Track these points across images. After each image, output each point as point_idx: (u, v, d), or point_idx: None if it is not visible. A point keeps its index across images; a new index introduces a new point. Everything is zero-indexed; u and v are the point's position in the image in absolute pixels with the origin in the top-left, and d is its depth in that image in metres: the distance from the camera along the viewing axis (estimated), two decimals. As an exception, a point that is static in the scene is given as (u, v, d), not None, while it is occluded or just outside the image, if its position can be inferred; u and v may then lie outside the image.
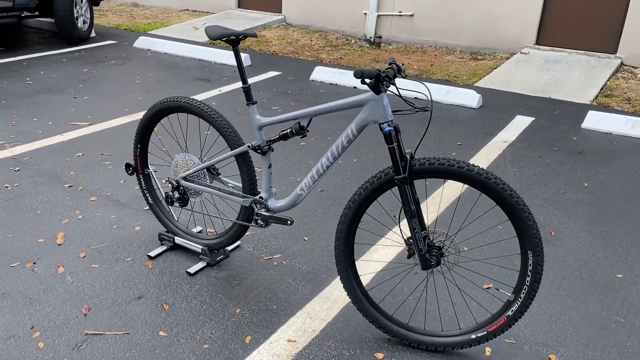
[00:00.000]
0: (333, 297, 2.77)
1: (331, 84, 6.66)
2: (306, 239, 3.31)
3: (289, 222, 2.63)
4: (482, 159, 4.51)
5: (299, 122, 2.49)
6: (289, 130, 2.53)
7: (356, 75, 2.01)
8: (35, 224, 3.40)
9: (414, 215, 2.26)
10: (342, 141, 2.38)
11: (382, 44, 8.88)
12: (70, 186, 3.91)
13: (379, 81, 2.09)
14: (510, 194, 2.17)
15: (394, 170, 2.25)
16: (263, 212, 2.71)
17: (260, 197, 2.72)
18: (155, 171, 3.15)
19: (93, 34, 9.09)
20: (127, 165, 3.16)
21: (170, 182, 3.01)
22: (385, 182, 2.31)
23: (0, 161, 4.29)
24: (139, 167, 3.15)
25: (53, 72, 6.96)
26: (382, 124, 2.23)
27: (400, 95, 2.21)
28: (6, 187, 3.87)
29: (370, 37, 8.93)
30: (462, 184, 2.33)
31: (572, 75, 6.87)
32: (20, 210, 3.56)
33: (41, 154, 4.47)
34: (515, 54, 7.83)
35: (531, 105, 5.90)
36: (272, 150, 2.68)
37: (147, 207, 3.51)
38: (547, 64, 7.27)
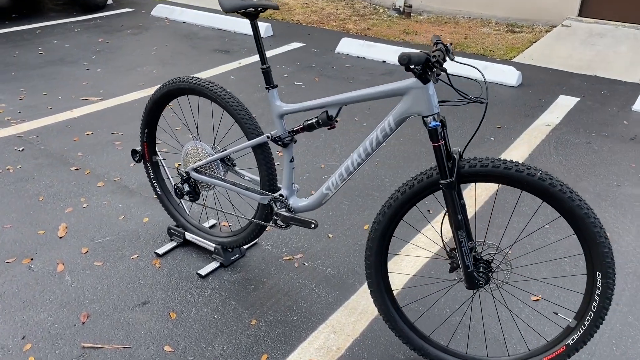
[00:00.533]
0: (360, 308, 2.45)
1: (358, 57, 6.24)
2: (330, 236, 2.98)
3: (312, 226, 2.30)
4: (524, 145, 4.11)
5: (326, 111, 2.14)
6: (314, 120, 2.18)
7: (402, 61, 1.63)
8: (36, 213, 3.13)
9: (460, 226, 1.91)
10: (378, 135, 2.03)
11: (412, 14, 8.37)
12: (76, 169, 3.63)
13: (427, 68, 1.71)
14: (579, 205, 1.80)
15: (438, 172, 1.90)
16: (283, 211, 2.38)
17: (281, 195, 2.39)
18: (164, 159, 2.83)
19: (110, 1, 8.73)
20: (134, 152, 2.85)
21: (179, 173, 2.69)
22: (427, 185, 1.96)
23: (4, 139, 4.02)
24: (146, 154, 2.83)
25: (67, 41, 6.65)
26: (427, 117, 1.86)
27: (451, 84, 1.83)
28: (8, 169, 3.60)
29: (400, 7, 8.41)
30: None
31: (619, 50, 6.33)
32: (21, 197, 3.29)
33: (48, 131, 4.19)
34: (555, 27, 7.28)
35: (575, 84, 5.42)
36: (295, 142, 2.34)
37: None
38: (591, 38, 6.72)
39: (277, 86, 2.30)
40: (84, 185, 3.43)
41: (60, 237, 2.92)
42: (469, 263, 1.95)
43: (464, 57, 5.90)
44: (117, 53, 6.24)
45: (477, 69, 1.91)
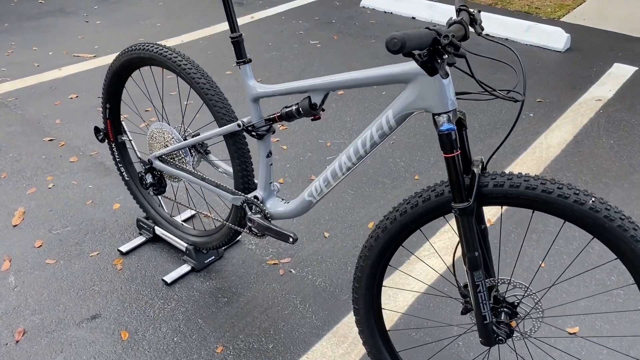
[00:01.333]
0: (352, 336, 2.00)
1: (385, 12, 5.59)
2: (327, 235, 2.51)
3: (290, 240, 1.83)
4: (568, 124, 3.50)
5: (309, 97, 1.63)
6: (294, 108, 1.68)
7: (392, 46, 1.08)
8: (-6, 194, 2.75)
9: (477, 265, 1.41)
10: (373, 134, 1.52)
11: (449, -36, 7.55)
12: (50, 140, 3.22)
13: (435, 54, 1.17)
14: (646, 247, 1.28)
15: (450, 190, 1.39)
16: (258, 218, 1.91)
17: (255, 197, 1.91)
18: (130, 140, 2.38)
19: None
20: (96, 130, 2.40)
21: (141, 161, 2.24)
22: (435, 207, 1.45)
23: (-20, 102, 3.64)
24: (109, 132, 2.39)
25: (70, -11, 6.17)
26: (438, 115, 1.34)
27: (473, 75, 1.30)
28: (-25, 138, 3.22)
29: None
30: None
31: (687, 10, 5.51)
32: (-18, 172, 2.91)
33: (30, 93, 3.77)
34: (613, -20, 6.41)
35: (635, 51, 4.69)
36: (273, 132, 1.85)
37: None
38: (654, -5, 5.88)
39: (250, 61, 1.79)
40: (55, 161, 3.02)
41: (15, 226, 2.53)
42: (487, 313, 1.46)
43: (505, 16, 5.19)
44: (122, 3, 5.74)
45: (511, 49, 1.36)
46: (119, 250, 2.38)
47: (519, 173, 1.37)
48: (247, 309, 2.11)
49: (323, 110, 1.67)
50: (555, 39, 4.71)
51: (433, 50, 1.15)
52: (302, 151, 3.17)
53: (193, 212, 2.63)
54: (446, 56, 1.14)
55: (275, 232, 1.86)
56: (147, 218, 2.46)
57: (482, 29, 1.37)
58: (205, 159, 2.14)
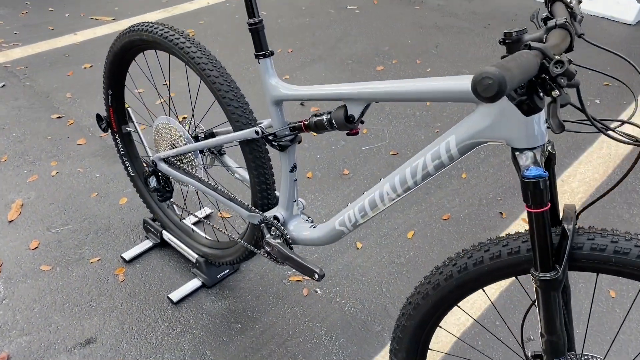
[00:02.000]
0: (386, 381, 1.69)
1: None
2: (360, 245, 2.18)
3: (315, 276, 1.50)
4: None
5: (345, 107, 1.27)
6: (325, 118, 1.32)
7: (485, 92, 0.67)
8: (-9, 181, 2.49)
9: (561, 351, 1.06)
10: (427, 163, 1.16)
11: None
12: (58, 117, 2.93)
13: (539, 88, 0.78)
14: None
15: (529, 248, 1.03)
16: (278, 244, 1.58)
17: (275, 218, 1.58)
18: (137, 131, 2.06)
19: None
20: (98, 118, 2.09)
21: (144, 161, 1.93)
22: (505, 266, 1.10)
23: (-13, 70, 3.37)
24: (112, 122, 2.07)
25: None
26: (520, 152, 0.97)
27: (583, 109, 0.91)
28: (-22, 113, 2.96)
29: None
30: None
31: None
32: (-19, 155, 2.65)
33: (41, 61, 3.48)
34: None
35: None
36: (299, 142, 1.49)
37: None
38: None
39: (272, 54, 1.43)
40: (61, 142, 2.74)
41: (10, 222, 2.27)
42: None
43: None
44: (147, -41, 5.35)
45: (629, 62, 0.96)
46: (122, 257, 2.10)
47: (626, 233, 1.00)
48: (264, 340, 1.81)
49: (362, 122, 1.31)
50: (626, 9, 4.15)
51: (537, 83, 0.77)
52: (335, 139, 2.82)
53: (209, 211, 2.32)
54: (557, 93, 0.76)
55: (297, 264, 1.53)
56: (154, 220, 2.17)
57: (581, 30, 0.98)
58: (220, 161, 1.81)
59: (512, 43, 0.92)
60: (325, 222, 1.50)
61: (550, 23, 0.93)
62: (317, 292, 1.99)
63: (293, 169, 1.52)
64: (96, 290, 1.98)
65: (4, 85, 3.20)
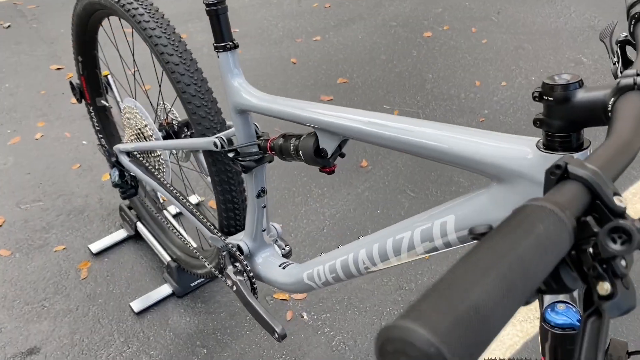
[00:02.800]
0: None
1: None
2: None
3: (275, 335, 1.17)
4: None
5: (315, 135, 0.91)
6: (292, 144, 0.96)
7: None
8: (-30, 141, 2.26)
9: None
10: (414, 242, 0.79)
11: None
12: (58, 69, 2.66)
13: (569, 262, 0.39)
14: None
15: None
16: (238, 281, 1.26)
17: (239, 249, 1.25)
18: (110, 107, 1.75)
19: None
20: (72, 86, 1.79)
21: (104, 149, 1.62)
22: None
23: (-4, 7, 3.11)
24: (86, 92, 1.77)
25: None
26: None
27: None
28: (-26, 58, 2.72)
29: None
30: None
31: None
32: (-33, 107, 2.42)
33: (54, 1, 3.19)
34: None
35: None
36: (270, 161, 1.14)
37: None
38: None
39: (236, 46, 1.06)
40: (54, 99, 2.47)
41: (-21, 191, 2.05)
42: None
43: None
44: None
45: None
46: (89, 249, 1.84)
47: None
48: (231, 374, 1.53)
49: (343, 156, 0.95)
50: None
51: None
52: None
53: (199, 199, 2.01)
54: (606, 289, 0.37)
55: (256, 314, 1.20)
56: (130, 208, 1.89)
57: None
58: (197, 158, 1.48)
59: (555, 103, 0.53)
60: (300, 264, 1.17)
61: (629, 72, 0.52)
62: (302, 316, 1.68)
63: (261, 193, 1.17)
64: (53, 287, 1.74)
65: (9, 26, 2.94)
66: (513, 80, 2.69)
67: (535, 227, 0.30)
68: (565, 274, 0.35)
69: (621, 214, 0.35)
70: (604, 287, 0.34)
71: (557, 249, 0.31)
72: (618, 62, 0.71)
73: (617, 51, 0.71)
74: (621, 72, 0.71)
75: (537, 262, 0.30)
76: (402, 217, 1.91)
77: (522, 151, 0.61)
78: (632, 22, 0.69)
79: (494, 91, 2.63)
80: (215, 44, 1.05)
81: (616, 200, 0.35)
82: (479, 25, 3.15)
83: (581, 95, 0.54)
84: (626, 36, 0.70)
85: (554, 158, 0.57)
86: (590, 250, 0.34)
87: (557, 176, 0.36)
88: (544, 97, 0.55)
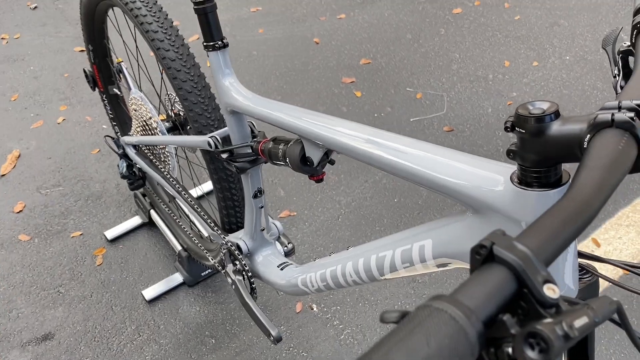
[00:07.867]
0: None
1: None
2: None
3: (271, 338, 1.16)
4: None
5: (301, 142, 0.87)
6: (281, 150, 0.93)
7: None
8: (-5, 124, 2.30)
9: None
10: (396, 263, 0.75)
11: None
12: (81, 51, 2.68)
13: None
14: None
15: None
16: (237, 280, 1.25)
17: (238, 248, 1.24)
18: (120, 95, 1.75)
19: None
20: (85, 73, 1.79)
21: (112, 141, 1.62)
22: None
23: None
24: (98, 81, 1.76)
25: None
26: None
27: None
28: (2, 38, 2.75)
29: None
30: None
31: None
32: (-7, 90, 2.47)
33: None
34: None
35: None
36: (266, 161, 1.11)
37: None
38: None
39: (226, 45, 1.02)
40: (77, 83, 2.49)
41: (2, 176, 2.09)
42: None
43: None
44: None
45: None
46: (104, 235, 1.87)
47: None
48: (237, 365, 1.54)
49: (332, 163, 0.91)
50: None
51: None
52: (381, 102, 2.36)
53: (201, 193, 2.00)
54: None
55: (253, 315, 1.19)
56: (144, 195, 1.89)
57: None
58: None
59: (528, 136, 0.49)
60: (297, 267, 1.15)
61: (608, 105, 0.47)
62: (312, 308, 1.67)
63: (257, 194, 1.15)
64: (69, 273, 1.77)
65: (36, 7, 2.97)
66: (545, 60, 2.56)
67: (432, 338, 0.27)
68: None
69: (551, 306, 0.30)
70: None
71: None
72: (619, 75, 0.65)
73: (618, 62, 0.64)
74: (621, 87, 0.64)
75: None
76: (419, 207, 1.86)
77: (495, 182, 0.56)
78: (634, 33, 0.62)
79: (525, 72, 2.51)
80: (204, 43, 1.01)
81: (547, 290, 0.30)
82: None
83: (556, 127, 0.48)
84: (629, 45, 0.64)
85: (526, 195, 0.52)
86: (509, 350, 0.30)
87: (482, 256, 0.32)
88: (516, 128, 0.50)
